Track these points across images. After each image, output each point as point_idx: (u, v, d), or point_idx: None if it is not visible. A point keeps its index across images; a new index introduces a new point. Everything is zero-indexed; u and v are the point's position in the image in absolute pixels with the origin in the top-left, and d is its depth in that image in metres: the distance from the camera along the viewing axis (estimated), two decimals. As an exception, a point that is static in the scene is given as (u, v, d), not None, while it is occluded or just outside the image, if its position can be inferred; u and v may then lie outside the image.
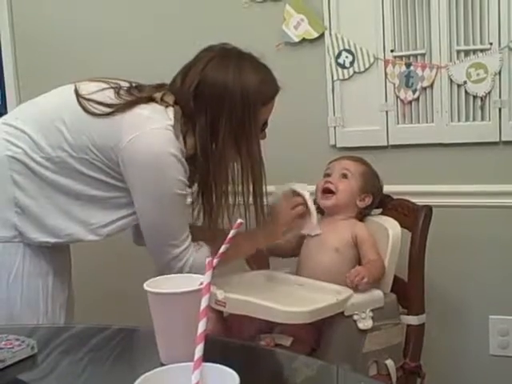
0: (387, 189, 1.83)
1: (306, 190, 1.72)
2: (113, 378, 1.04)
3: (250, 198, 1.57)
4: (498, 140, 1.94)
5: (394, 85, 2.01)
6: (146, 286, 0.99)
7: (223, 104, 1.49)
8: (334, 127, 2.10)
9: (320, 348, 1.56)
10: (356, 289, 1.55)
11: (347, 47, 2.04)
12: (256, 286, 1.67)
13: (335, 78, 2.07)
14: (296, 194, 1.73)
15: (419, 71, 1.97)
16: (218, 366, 0.75)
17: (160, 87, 1.57)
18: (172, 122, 1.48)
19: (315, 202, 1.75)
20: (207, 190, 1.56)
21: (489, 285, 2.00)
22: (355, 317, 1.53)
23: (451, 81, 1.95)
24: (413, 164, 2.04)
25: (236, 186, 1.57)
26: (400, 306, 1.68)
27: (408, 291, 1.68)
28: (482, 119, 1.95)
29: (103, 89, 1.53)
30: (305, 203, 1.70)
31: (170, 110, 1.50)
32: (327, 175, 1.77)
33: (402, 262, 1.69)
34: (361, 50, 2.03)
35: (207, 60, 1.52)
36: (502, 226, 1.97)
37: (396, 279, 1.68)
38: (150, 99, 1.51)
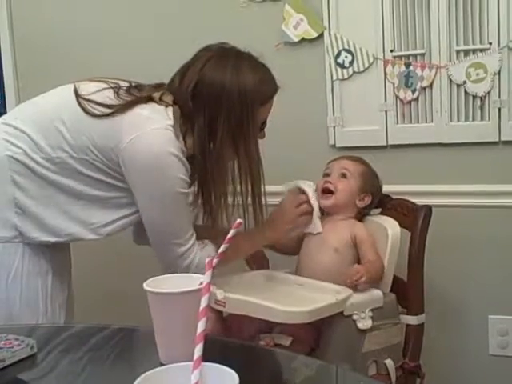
0: (386, 188, 1.83)
1: (312, 188, 1.73)
2: (112, 377, 1.04)
3: (249, 198, 1.57)
4: (497, 140, 1.94)
5: (394, 85, 2.01)
6: (145, 286, 0.99)
7: (221, 104, 1.49)
8: (334, 127, 2.10)
9: (319, 348, 1.56)
10: (354, 288, 1.56)
11: (346, 47, 2.04)
12: (256, 285, 1.67)
13: (334, 77, 2.07)
14: (301, 191, 1.73)
15: (419, 71, 1.97)
16: (218, 365, 0.76)
17: (159, 87, 1.57)
18: (172, 122, 1.48)
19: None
20: (206, 189, 1.56)
21: (488, 284, 2.01)
22: (354, 316, 1.53)
23: (451, 81, 1.95)
24: (412, 164, 2.04)
25: (235, 185, 1.58)
26: (399, 306, 1.68)
27: (407, 291, 1.68)
28: (482, 119, 1.95)
29: (103, 89, 1.53)
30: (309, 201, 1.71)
31: (170, 110, 1.50)
32: (326, 175, 1.77)
33: (402, 261, 1.69)
34: (360, 49, 2.03)
35: (205, 59, 1.52)
36: (501, 226, 1.97)
37: (395, 279, 1.68)
38: (149, 99, 1.51)
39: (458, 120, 1.97)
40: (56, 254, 1.58)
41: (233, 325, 1.63)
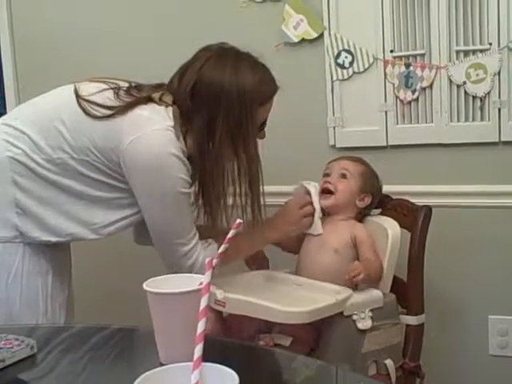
0: (386, 189, 1.83)
1: (316, 189, 1.72)
2: (112, 377, 1.04)
3: (248, 198, 1.57)
4: (497, 140, 1.94)
5: (394, 85, 2.01)
6: (145, 286, 0.99)
7: (220, 104, 1.49)
8: (334, 127, 2.10)
9: (319, 348, 1.56)
10: (353, 286, 1.56)
11: (346, 47, 2.04)
12: (255, 286, 1.67)
13: (334, 78, 2.07)
14: (307, 191, 1.73)
15: (419, 71, 1.97)
16: (218, 365, 0.76)
17: (159, 87, 1.57)
18: (172, 123, 1.48)
19: None
20: (206, 189, 1.57)
21: (488, 285, 2.01)
22: (354, 317, 1.53)
23: (451, 81, 1.95)
24: (412, 164, 2.04)
25: (235, 186, 1.58)
26: (399, 306, 1.68)
27: (407, 291, 1.68)
28: (482, 119, 1.95)
29: (102, 90, 1.53)
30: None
31: (170, 110, 1.50)
32: (326, 175, 1.77)
33: (402, 262, 1.69)
34: (360, 50, 2.03)
35: (205, 59, 1.52)
36: (501, 226, 1.98)
37: (395, 279, 1.68)
38: (149, 99, 1.51)
39: (458, 120, 1.97)
40: (56, 253, 1.58)
41: (233, 325, 1.63)
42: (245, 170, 1.55)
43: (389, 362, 1.59)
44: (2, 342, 1.06)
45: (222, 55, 1.54)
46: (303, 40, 2.09)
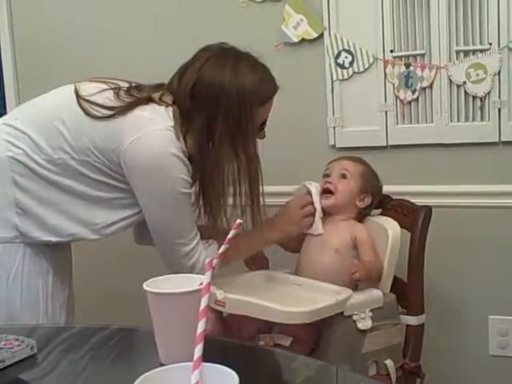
0: (386, 189, 1.83)
1: (317, 189, 1.72)
2: (112, 377, 1.04)
3: (248, 199, 1.57)
4: (497, 140, 1.94)
5: (394, 85, 2.01)
6: (145, 286, 0.99)
7: (219, 104, 1.49)
8: (334, 127, 2.10)
9: (319, 348, 1.56)
10: (354, 286, 1.56)
11: (346, 47, 2.04)
12: (255, 286, 1.67)
13: (334, 78, 2.07)
14: (308, 191, 1.73)
15: (419, 71, 1.97)
16: (218, 366, 0.76)
17: (159, 87, 1.57)
18: (172, 123, 1.48)
19: None
20: (206, 190, 1.57)
21: (488, 285, 2.01)
22: (355, 317, 1.53)
23: (451, 81, 1.95)
24: (412, 164, 2.04)
25: (235, 186, 1.57)
26: (399, 306, 1.68)
27: (407, 291, 1.68)
28: (482, 119, 1.95)
29: (103, 90, 1.53)
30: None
31: (170, 110, 1.50)
32: (326, 175, 1.77)
33: (402, 262, 1.69)
34: (360, 50, 2.03)
35: (204, 59, 1.53)
36: (501, 227, 1.98)
37: (395, 279, 1.68)
38: (149, 100, 1.51)
39: (458, 120, 1.97)
40: (57, 253, 1.58)
41: (233, 325, 1.63)
42: (244, 170, 1.55)
43: (389, 363, 1.59)
44: (2, 343, 1.06)
45: (221, 55, 1.54)
46: (303, 40, 2.09)
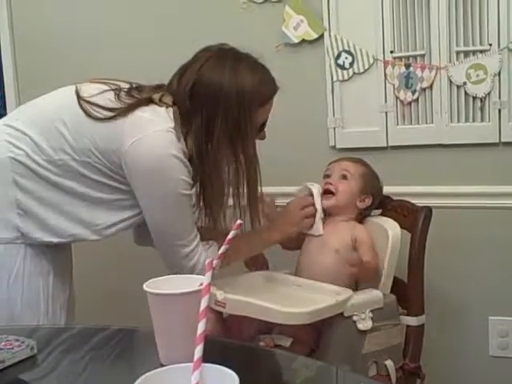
0: (387, 190, 1.83)
1: (318, 190, 1.72)
2: (113, 378, 1.04)
3: (246, 200, 1.57)
4: (497, 141, 1.94)
5: (394, 86, 2.01)
6: (145, 287, 0.99)
7: (218, 104, 1.49)
8: (334, 128, 2.10)
9: (319, 349, 1.56)
10: (354, 287, 1.57)
11: (347, 48, 2.04)
12: (256, 286, 1.67)
13: (335, 78, 2.07)
14: (310, 192, 1.73)
15: (419, 72, 1.97)
16: (218, 366, 0.76)
17: (159, 88, 1.57)
18: (173, 124, 1.48)
19: None
20: (206, 191, 1.56)
21: (488, 286, 2.01)
22: (355, 317, 1.53)
23: (451, 82, 1.95)
24: (412, 165, 2.04)
25: (234, 187, 1.57)
26: (400, 307, 1.68)
27: (408, 292, 1.68)
28: (482, 120, 1.95)
29: (103, 91, 1.53)
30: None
31: (171, 111, 1.50)
32: (327, 176, 1.77)
33: (402, 262, 1.69)
34: (360, 50, 2.03)
35: (204, 60, 1.53)
36: (501, 227, 1.98)
37: (396, 280, 1.68)
38: (150, 101, 1.51)
39: (458, 121, 1.97)
40: (57, 254, 1.58)
41: (233, 326, 1.63)
42: (243, 171, 1.55)
43: (389, 363, 1.59)
44: (3, 343, 1.06)
45: (221, 56, 1.54)
46: (303, 41, 2.09)
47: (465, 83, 1.93)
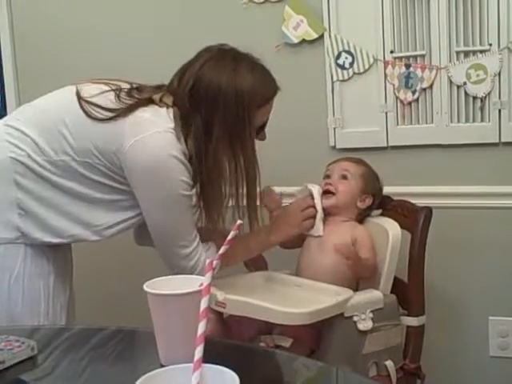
0: (387, 190, 1.83)
1: (318, 191, 1.72)
2: (113, 378, 1.04)
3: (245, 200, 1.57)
4: (497, 141, 1.94)
5: (394, 86, 2.01)
6: (145, 287, 0.99)
7: (218, 105, 1.49)
8: (334, 128, 2.10)
9: (320, 349, 1.56)
10: (354, 287, 1.57)
11: (347, 48, 2.04)
12: (256, 287, 1.67)
13: (335, 78, 2.07)
14: (310, 193, 1.73)
15: (419, 72, 1.97)
16: (218, 367, 0.76)
17: (159, 88, 1.57)
18: (173, 125, 1.48)
19: None
20: (205, 191, 1.56)
21: (488, 286, 2.01)
22: (355, 318, 1.53)
23: (451, 82, 1.95)
24: (412, 165, 2.04)
25: (234, 187, 1.57)
26: (400, 307, 1.68)
27: (408, 292, 1.68)
28: (482, 120, 1.95)
29: (104, 91, 1.53)
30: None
31: (171, 112, 1.50)
32: (327, 177, 1.77)
33: (402, 263, 1.69)
34: (360, 51, 2.03)
35: (204, 61, 1.53)
36: (501, 228, 1.98)
37: (396, 280, 1.68)
38: (150, 101, 1.51)
39: (459, 121, 1.97)
40: (58, 255, 1.58)
41: (233, 326, 1.63)
42: (242, 171, 1.55)
43: (389, 363, 1.59)
44: (3, 344, 1.06)
45: (221, 56, 1.54)
46: (303, 41, 2.09)
47: (465, 83, 1.93)
